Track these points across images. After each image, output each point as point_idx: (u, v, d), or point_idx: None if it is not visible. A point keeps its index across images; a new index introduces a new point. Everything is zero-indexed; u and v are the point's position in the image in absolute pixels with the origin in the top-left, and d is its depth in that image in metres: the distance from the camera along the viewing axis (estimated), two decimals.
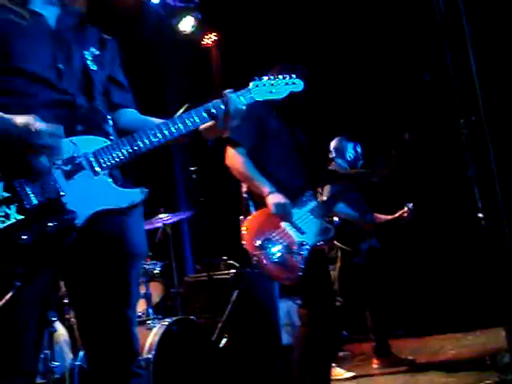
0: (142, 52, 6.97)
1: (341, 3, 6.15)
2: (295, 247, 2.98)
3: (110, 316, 1.89)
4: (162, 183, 6.76)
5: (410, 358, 4.56)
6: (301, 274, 2.96)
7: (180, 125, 2.03)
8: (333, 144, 4.98)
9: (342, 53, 6.27)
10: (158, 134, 1.97)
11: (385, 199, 5.04)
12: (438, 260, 6.03)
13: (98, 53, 2.02)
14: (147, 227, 4.50)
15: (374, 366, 4.63)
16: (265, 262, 2.96)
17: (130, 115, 2.16)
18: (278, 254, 2.94)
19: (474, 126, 2.18)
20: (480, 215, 2.16)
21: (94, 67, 1.97)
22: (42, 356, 3.08)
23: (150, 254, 4.18)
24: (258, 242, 2.96)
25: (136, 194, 1.89)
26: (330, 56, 6.23)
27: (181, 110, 4.37)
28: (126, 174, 1.98)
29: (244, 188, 3.26)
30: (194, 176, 4.36)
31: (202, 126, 2.10)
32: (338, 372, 4.44)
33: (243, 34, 6.69)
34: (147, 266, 4.04)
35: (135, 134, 1.93)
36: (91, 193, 1.79)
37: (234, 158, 3.15)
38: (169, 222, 4.48)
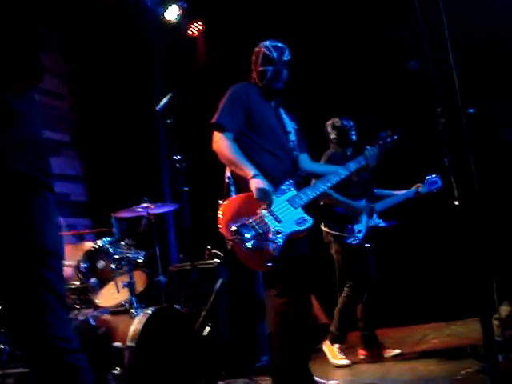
0: (128, 40, 6.94)
1: None
2: (270, 235, 2.97)
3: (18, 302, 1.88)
4: (146, 172, 6.75)
5: (396, 350, 4.58)
6: (273, 262, 2.97)
7: None
8: (332, 125, 4.80)
9: (329, 37, 6.27)
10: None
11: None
12: (421, 249, 6.05)
13: None
14: (130, 215, 4.49)
15: (361, 356, 4.65)
16: (239, 247, 2.96)
17: None
18: (253, 241, 2.94)
19: (451, 115, 2.20)
20: (456, 203, 2.18)
21: None
22: None
23: (134, 242, 4.17)
24: (234, 227, 2.96)
25: None
26: (317, 41, 6.24)
27: (164, 99, 4.39)
28: None
29: (227, 173, 3.26)
30: (177, 165, 4.34)
31: None
32: (336, 354, 4.49)
33: (228, 24, 6.68)
34: (131, 255, 4.03)
35: None
36: None
37: (221, 142, 3.16)
38: (153, 211, 4.46)
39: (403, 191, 4.81)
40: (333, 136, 4.76)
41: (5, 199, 1.84)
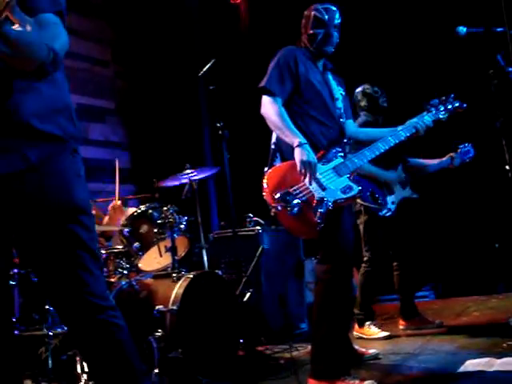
0: (171, 6, 6.93)
1: None
2: (315, 203, 2.96)
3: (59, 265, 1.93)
4: (188, 138, 6.79)
5: (437, 321, 4.53)
6: (318, 229, 2.95)
7: None
8: (363, 92, 4.64)
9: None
10: None
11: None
12: (465, 221, 5.95)
13: None
14: (173, 183, 4.54)
15: (401, 326, 4.61)
16: (283, 214, 2.96)
17: None
18: (297, 208, 2.93)
19: (503, 76, 2.12)
20: (507, 168, 2.11)
21: None
22: None
23: (177, 208, 4.21)
24: (278, 195, 2.95)
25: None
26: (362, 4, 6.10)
27: (207, 65, 4.37)
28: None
29: (273, 139, 3.24)
30: (219, 132, 4.35)
31: None
32: (373, 331, 4.43)
33: None
34: (173, 221, 4.07)
35: None
36: None
37: (270, 107, 3.11)
38: (195, 178, 4.49)
39: (436, 160, 4.66)
40: (363, 103, 4.62)
41: (37, 158, 1.88)
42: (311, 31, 3.31)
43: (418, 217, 4.80)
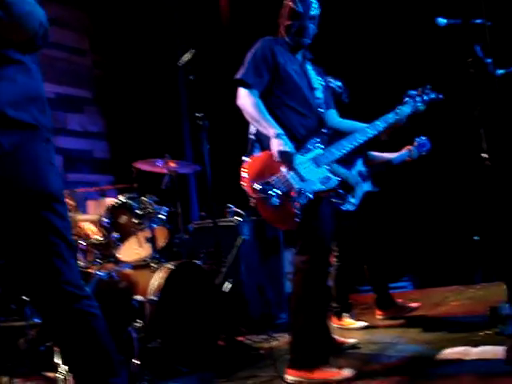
0: None
1: None
2: (294, 194, 2.96)
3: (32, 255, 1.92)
4: (168, 129, 6.75)
5: (413, 304, 4.58)
6: (297, 220, 2.96)
7: None
8: None
9: None
10: None
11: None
12: (443, 209, 6.00)
13: None
14: (150, 169, 4.49)
15: (378, 316, 4.64)
16: (262, 205, 2.96)
17: None
18: (276, 199, 2.93)
19: (481, 66, 2.14)
20: (484, 155, 2.13)
21: None
22: None
23: (156, 199, 4.19)
24: (257, 185, 2.95)
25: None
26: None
27: (186, 55, 4.34)
28: None
29: (251, 129, 3.23)
30: (199, 123, 4.32)
31: None
32: (350, 321, 4.47)
33: None
34: (152, 211, 4.05)
35: None
36: None
37: (245, 99, 3.11)
38: (175, 169, 4.48)
39: (395, 154, 4.65)
40: None
41: (9, 145, 1.87)
42: (286, 22, 3.30)
43: (395, 208, 4.81)
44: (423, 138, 4.63)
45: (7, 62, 1.88)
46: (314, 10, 3.28)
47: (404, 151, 4.64)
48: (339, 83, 4.48)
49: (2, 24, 1.75)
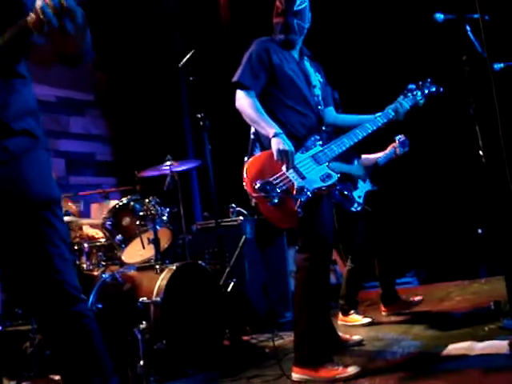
0: None
1: None
2: (294, 192, 2.97)
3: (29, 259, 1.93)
4: (169, 130, 6.76)
5: (416, 298, 4.61)
6: (298, 218, 2.97)
7: None
8: None
9: None
10: None
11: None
12: (447, 205, 6.00)
13: None
14: (154, 173, 4.52)
15: (383, 313, 4.67)
16: (263, 204, 2.97)
17: None
18: (277, 198, 2.94)
19: (476, 63, 2.14)
20: (481, 153, 2.13)
21: None
22: None
23: (159, 200, 4.20)
24: (258, 184, 2.96)
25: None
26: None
27: (186, 56, 4.35)
28: None
29: (252, 129, 3.24)
30: (200, 123, 4.32)
31: None
32: (356, 318, 4.47)
33: None
34: (155, 212, 4.06)
35: None
36: None
37: (243, 101, 3.11)
38: (177, 169, 4.49)
39: (381, 153, 4.66)
40: None
41: (17, 148, 1.90)
42: (274, 20, 3.31)
43: (400, 205, 4.81)
44: (402, 137, 4.63)
45: (15, 76, 1.92)
46: (299, 5, 3.23)
47: (390, 150, 4.66)
48: (336, 95, 4.43)
49: (69, 38, 1.72)
